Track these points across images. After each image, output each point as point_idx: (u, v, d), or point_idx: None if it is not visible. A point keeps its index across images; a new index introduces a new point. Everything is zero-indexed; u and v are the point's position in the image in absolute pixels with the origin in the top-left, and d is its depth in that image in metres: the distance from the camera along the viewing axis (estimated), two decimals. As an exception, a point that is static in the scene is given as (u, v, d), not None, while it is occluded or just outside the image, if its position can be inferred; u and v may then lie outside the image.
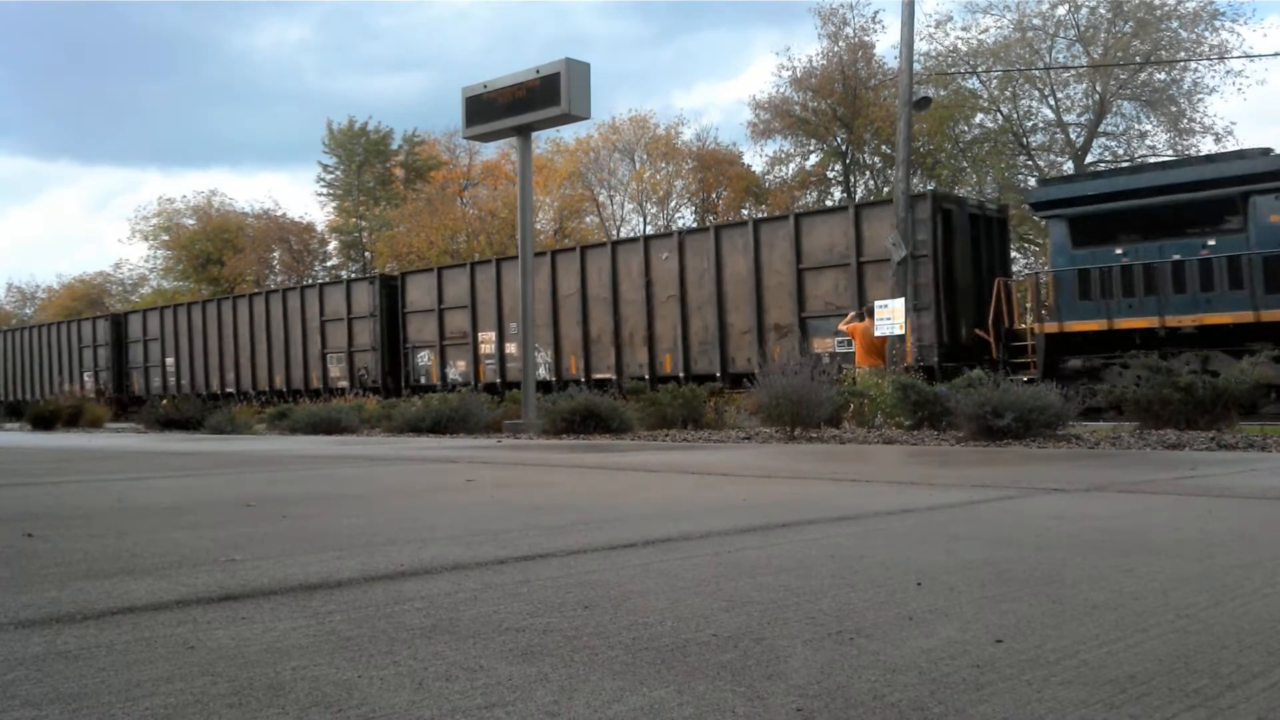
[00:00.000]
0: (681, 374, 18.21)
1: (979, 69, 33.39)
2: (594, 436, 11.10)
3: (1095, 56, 31.74)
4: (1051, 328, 15.00)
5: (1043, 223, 17.02)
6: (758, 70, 74.25)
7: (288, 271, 45.53)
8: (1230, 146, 29.09)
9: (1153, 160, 16.50)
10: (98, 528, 3.49)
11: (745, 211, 37.26)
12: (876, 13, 41.53)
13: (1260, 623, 1.88)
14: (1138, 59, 30.90)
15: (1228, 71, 36.88)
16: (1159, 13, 30.75)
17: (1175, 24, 30.92)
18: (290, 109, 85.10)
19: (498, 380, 21.32)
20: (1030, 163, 33.78)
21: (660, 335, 19.06)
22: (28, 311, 62.45)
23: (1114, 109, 32.78)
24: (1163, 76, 31.67)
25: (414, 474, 6.08)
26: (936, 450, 7.50)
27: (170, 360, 29.45)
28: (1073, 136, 33.49)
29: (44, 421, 20.05)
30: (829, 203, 34.79)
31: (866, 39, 34.81)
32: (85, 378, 31.95)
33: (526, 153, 13.56)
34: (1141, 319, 14.22)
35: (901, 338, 13.81)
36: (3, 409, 33.73)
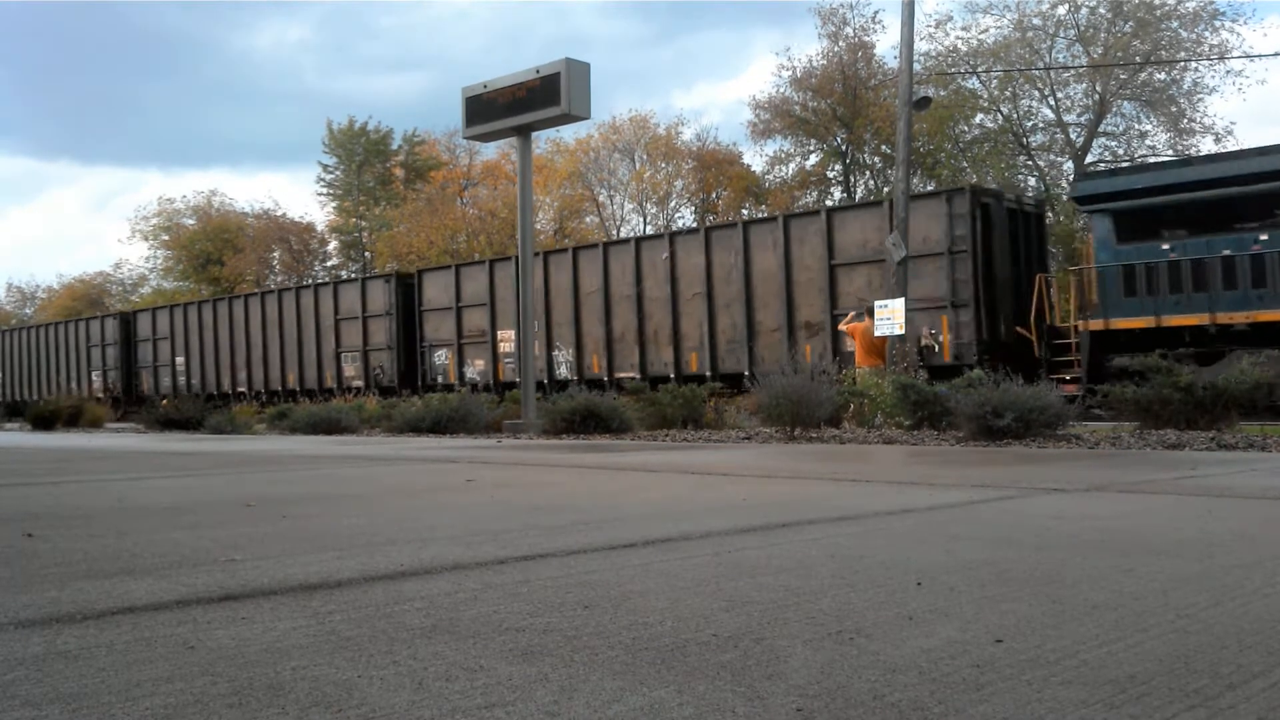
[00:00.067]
0: (708, 373, 17.94)
1: (979, 69, 33.39)
2: (594, 436, 11.10)
3: (1095, 56, 31.74)
4: (1097, 325, 14.62)
5: (1084, 218, 16.55)
6: (758, 70, 74.30)
7: (288, 271, 45.53)
8: (1230, 146, 29.09)
9: (1201, 155, 16.07)
10: (98, 528, 3.49)
11: (745, 212, 37.23)
12: (876, 13, 41.51)
13: (1260, 623, 1.88)
14: (1138, 59, 30.90)
15: (1228, 71, 36.90)
16: (1159, 13, 30.75)
17: (1175, 24, 30.93)
18: (290, 109, 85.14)
19: (518, 379, 21.06)
20: (1030, 163, 33.79)
21: (686, 333, 18.76)
22: (28, 311, 62.44)
23: (1114, 109, 32.78)
24: (1163, 76, 31.67)
25: (414, 474, 6.08)
26: (936, 450, 7.50)
27: (180, 359, 29.19)
28: (1073, 136, 33.49)
29: (44, 421, 20.05)
30: (828, 202, 34.79)
31: (866, 39, 34.82)
32: (93, 377, 31.65)
33: (526, 153, 13.56)
34: (1191, 316, 13.84)
35: (902, 337, 13.76)
36: (8, 408, 33.31)
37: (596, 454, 7.83)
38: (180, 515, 3.87)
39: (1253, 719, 1.37)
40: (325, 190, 47.27)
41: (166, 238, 51.43)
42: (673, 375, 18.36)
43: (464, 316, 22.46)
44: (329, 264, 47.62)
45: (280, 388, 26.12)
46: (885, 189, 32.08)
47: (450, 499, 4.41)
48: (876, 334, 13.68)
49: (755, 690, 1.50)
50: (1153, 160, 18.93)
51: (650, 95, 79.93)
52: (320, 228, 48.62)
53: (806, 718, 1.38)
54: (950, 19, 55.48)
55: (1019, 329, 15.72)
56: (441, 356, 22.86)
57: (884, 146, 34.38)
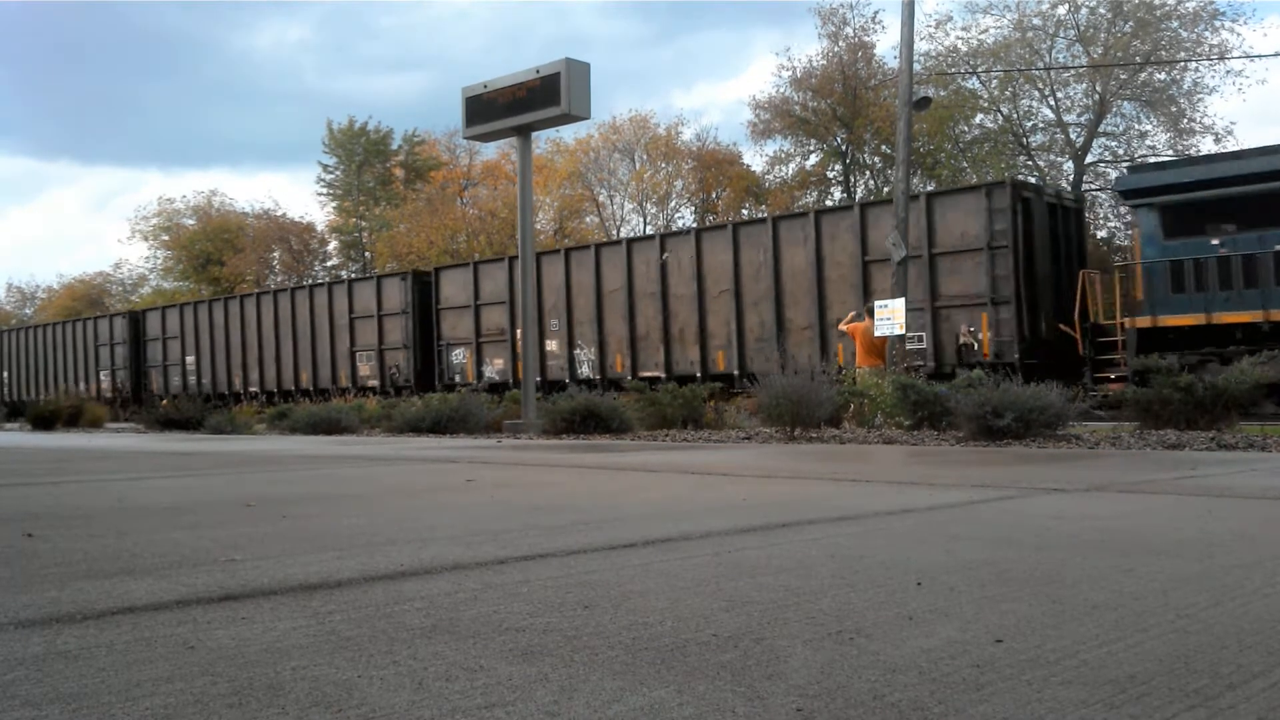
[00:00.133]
0: (735, 371, 17.70)
1: (979, 69, 33.40)
2: (594, 436, 11.10)
3: (1095, 56, 31.75)
4: (1144, 322, 14.28)
5: (1130, 213, 16.21)
6: (758, 70, 74.28)
7: (287, 272, 45.52)
8: (1230, 147, 29.09)
9: (1251, 147, 15.66)
10: (98, 528, 3.49)
11: (745, 212, 37.24)
12: (876, 13, 41.51)
13: (1260, 623, 1.88)
14: (1138, 59, 30.90)
15: (1228, 71, 36.87)
16: (1159, 13, 30.75)
17: (1175, 24, 30.92)
18: (290, 109, 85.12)
19: (538, 379, 20.62)
20: (1030, 163, 33.78)
21: (713, 332, 18.40)
22: (28, 311, 62.43)
23: (1114, 109, 32.77)
24: (1163, 76, 31.66)
25: (414, 474, 6.08)
26: (936, 450, 7.50)
27: (190, 359, 28.71)
28: (1073, 136, 33.49)
29: (44, 421, 20.05)
30: (828, 202, 34.79)
31: (866, 39, 34.82)
32: (101, 376, 31.28)
33: (526, 153, 13.56)
34: (1244, 313, 13.50)
35: (901, 337, 13.75)
36: (14, 408, 32.83)
37: (596, 454, 7.83)
38: (180, 515, 3.87)
39: (1253, 719, 1.37)
40: (325, 190, 47.28)
41: (166, 238, 51.43)
42: (699, 374, 18.07)
43: (482, 315, 22.07)
44: (329, 264, 47.64)
45: (293, 387, 25.64)
46: (885, 189, 32.09)
47: (450, 499, 4.41)
48: (876, 334, 13.67)
49: (755, 690, 1.50)
50: (1200, 154, 18.48)
51: (650, 95, 79.95)
52: (320, 228, 48.64)
53: (806, 718, 1.38)
54: (950, 19, 55.48)
55: (1061, 326, 15.36)
56: (459, 355, 22.49)
57: (884, 146, 34.39)
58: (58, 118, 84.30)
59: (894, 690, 1.49)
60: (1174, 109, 31.65)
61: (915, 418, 9.79)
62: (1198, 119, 31.63)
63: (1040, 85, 33.26)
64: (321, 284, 26.94)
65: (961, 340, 15.39)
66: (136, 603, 2.18)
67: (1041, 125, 34.47)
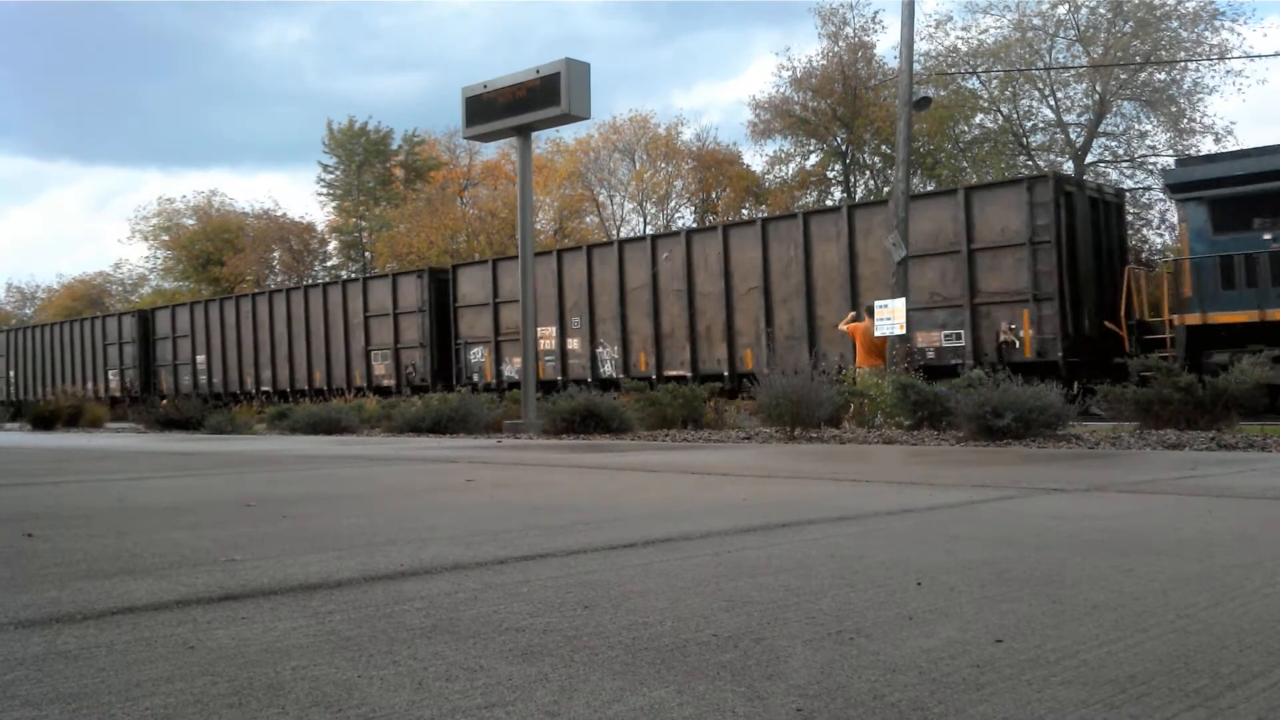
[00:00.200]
0: (766, 370, 17.46)
1: (979, 69, 33.40)
2: (594, 436, 11.10)
3: (1095, 56, 31.75)
4: (1194, 319, 13.91)
5: (1177, 207, 15.91)
6: (758, 70, 74.29)
7: (288, 272, 45.53)
8: (1230, 146, 29.09)
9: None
10: (98, 528, 3.49)
11: (745, 211, 37.24)
12: (876, 13, 41.54)
13: (1260, 623, 1.88)
14: (1138, 59, 30.90)
15: (1228, 71, 36.87)
16: (1159, 13, 30.75)
17: (1175, 24, 30.92)
18: (290, 109, 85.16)
19: (558, 378, 20.24)
20: (1030, 163, 33.78)
21: (741, 330, 18.02)
22: (28, 311, 62.46)
23: (1114, 109, 32.78)
24: (1163, 76, 31.66)
25: (414, 474, 6.08)
26: (936, 450, 7.50)
27: (201, 358, 28.37)
28: (1073, 136, 33.50)
29: (44, 421, 20.05)
30: (828, 201, 34.79)
31: (866, 39, 34.83)
32: (110, 376, 30.90)
33: (526, 153, 13.56)
34: None
35: (902, 337, 13.74)
36: (20, 408, 32.51)
37: (596, 454, 7.83)
38: (180, 515, 3.87)
39: (1253, 719, 1.37)
40: (325, 190, 47.30)
41: (166, 238, 51.44)
42: (726, 373, 17.79)
43: (501, 313, 21.67)
44: (329, 264, 47.65)
45: (307, 387, 25.25)
46: (885, 189, 32.08)
47: (450, 499, 4.42)
48: (876, 334, 13.67)
49: (755, 690, 1.50)
50: (1251, 146, 18.18)
51: (650, 95, 79.96)
52: (320, 228, 48.66)
53: (806, 718, 1.38)
54: (950, 19, 55.47)
55: (1107, 324, 15.04)
56: (478, 354, 22.13)
57: (884, 146, 34.39)
58: (58, 118, 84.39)
59: (894, 690, 1.49)
60: (1174, 109, 31.66)
61: (915, 418, 9.79)
62: (1198, 119, 31.65)
63: (1040, 85, 33.27)
64: (335, 282, 26.53)
65: (1002, 338, 15.03)
66: (136, 603, 2.18)
67: (1041, 125, 34.49)
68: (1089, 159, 32.73)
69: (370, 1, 75.07)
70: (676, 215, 40.05)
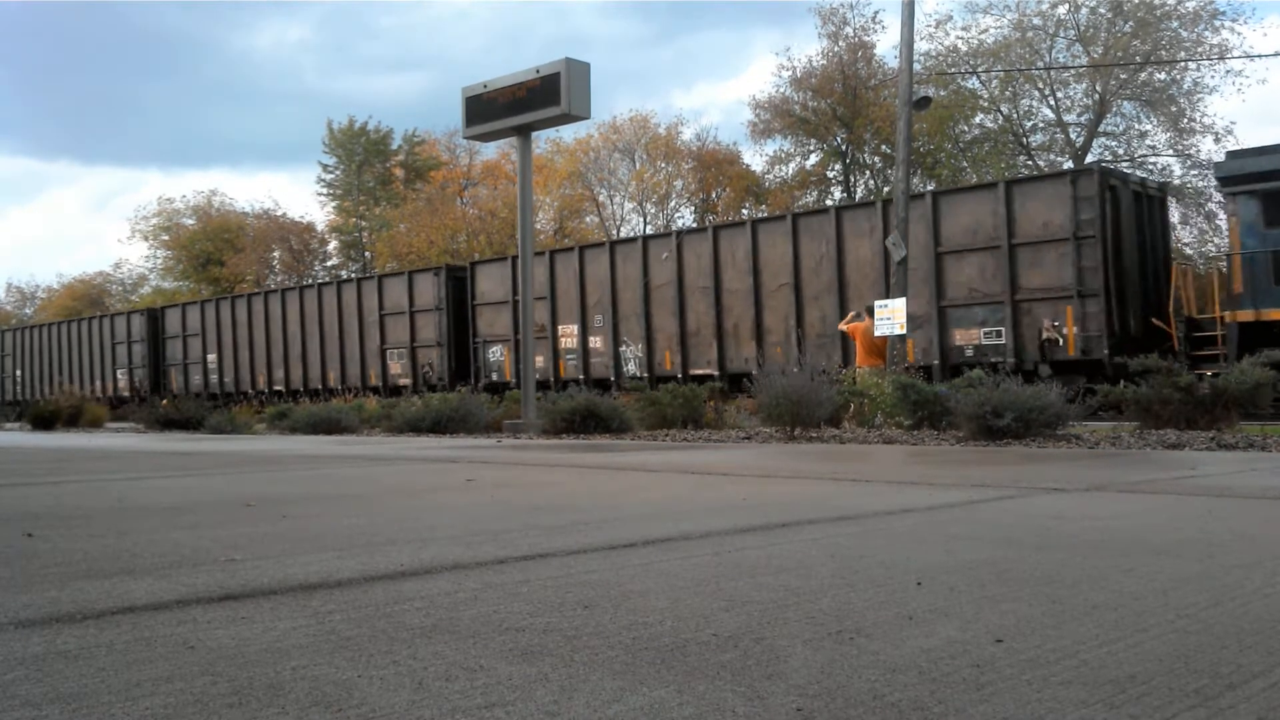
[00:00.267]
0: (795, 368, 17.30)
1: (979, 69, 33.40)
2: (594, 436, 11.10)
3: (1095, 56, 31.75)
4: (1246, 315, 13.54)
5: (1228, 200, 15.53)
6: (758, 70, 74.29)
7: (288, 271, 45.53)
8: (1231, 147, 29.10)
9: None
10: (98, 528, 3.49)
11: (745, 212, 37.25)
12: (876, 13, 41.56)
13: (1260, 623, 1.88)
14: (1138, 59, 30.90)
15: (1228, 71, 36.89)
16: (1159, 13, 30.75)
17: (1175, 24, 30.93)
18: (290, 109, 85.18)
19: (580, 376, 19.92)
20: (1030, 163, 33.79)
21: (770, 327, 17.62)
22: (28, 311, 62.44)
23: (1114, 109, 32.78)
24: (1163, 76, 31.67)
25: (414, 474, 6.08)
26: (936, 450, 7.50)
27: (212, 357, 27.91)
28: (1073, 136, 33.50)
29: (44, 421, 20.05)
30: (828, 201, 34.77)
31: (866, 39, 34.83)
32: (118, 375, 30.46)
33: (526, 153, 13.57)
34: None
35: (902, 337, 13.73)
36: (23, 408, 32.10)
37: (596, 454, 7.83)
38: (180, 515, 3.87)
39: (1253, 719, 1.37)
40: (325, 190, 47.31)
41: (166, 238, 51.45)
42: (755, 371, 17.42)
43: (521, 310, 21.68)
44: (329, 264, 47.67)
45: (320, 386, 24.82)
46: (885, 189, 32.09)
47: (450, 499, 4.41)
48: (876, 334, 13.67)
49: (755, 690, 1.50)
50: None
51: (650, 95, 79.98)
52: (320, 228, 48.67)
53: (806, 718, 1.38)
54: (950, 19, 55.50)
55: (1154, 321, 14.76)
56: (496, 353, 21.73)
57: (884, 146, 34.40)
58: (58, 118, 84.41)
59: (894, 690, 1.49)
60: (1174, 109, 31.66)
61: (915, 417, 9.79)
62: (1198, 119, 31.65)
63: (1040, 85, 33.27)
64: (350, 280, 26.08)
65: (1045, 335, 14.64)
66: (136, 603, 2.18)
67: (1041, 125, 34.50)
68: (1089, 159, 32.72)
69: (370, 1, 75.13)
70: (676, 215, 40.08)
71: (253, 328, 26.98)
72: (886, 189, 30.80)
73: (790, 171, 37.45)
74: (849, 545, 2.86)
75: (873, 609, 2.03)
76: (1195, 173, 31.06)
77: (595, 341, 20.14)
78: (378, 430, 14.35)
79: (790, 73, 35.99)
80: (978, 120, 34.95)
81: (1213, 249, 28.61)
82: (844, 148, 36.34)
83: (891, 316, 13.34)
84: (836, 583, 2.30)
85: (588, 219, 41.03)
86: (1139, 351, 13.30)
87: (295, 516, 3.76)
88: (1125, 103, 32.61)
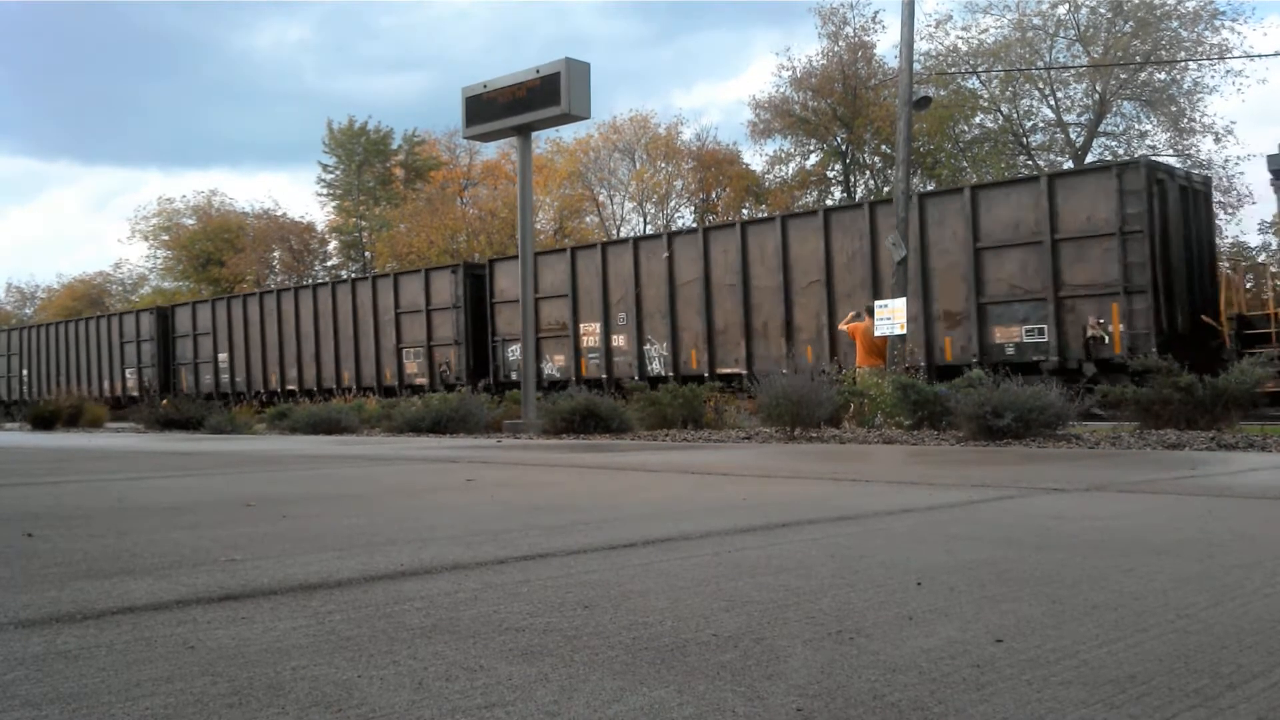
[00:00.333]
0: (826, 367, 16.78)
1: (979, 69, 33.41)
2: (594, 436, 11.10)
3: (1095, 56, 31.75)
4: None
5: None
6: (758, 70, 74.33)
7: (288, 271, 45.54)
8: (1230, 146, 29.08)
9: None
10: (98, 527, 3.49)
11: (745, 211, 37.26)
12: (876, 13, 41.56)
13: (1260, 623, 1.88)
14: (1138, 59, 30.91)
15: (1228, 71, 36.93)
16: (1159, 12, 30.77)
17: (1175, 24, 30.95)
18: (290, 109, 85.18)
19: (603, 376, 19.69)
20: (1030, 163, 33.80)
21: (800, 325, 17.25)
22: (28, 311, 62.45)
23: (1114, 109, 32.81)
24: (1163, 76, 31.69)
25: (414, 474, 6.08)
26: (936, 450, 7.50)
27: (224, 356, 27.50)
28: (1073, 136, 33.52)
29: (44, 421, 20.06)
30: (828, 201, 34.76)
31: (866, 39, 34.86)
32: (127, 374, 30.09)
33: (526, 153, 13.57)
34: None
35: (902, 337, 13.72)
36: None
37: (596, 454, 7.83)
38: (180, 515, 3.87)
39: (1253, 719, 1.37)
40: (325, 190, 47.32)
41: (166, 238, 51.46)
42: (785, 370, 17.24)
43: (542, 308, 20.69)
44: (329, 264, 47.68)
45: (335, 385, 24.48)
46: (886, 189, 32.08)
47: (450, 499, 4.41)
48: (876, 334, 13.67)
49: (755, 690, 1.50)
50: None
51: (650, 95, 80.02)
52: (320, 228, 48.69)
53: (806, 718, 1.38)
54: (950, 19, 55.56)
55: (1204, 318, 14.48)
56: (516, 352, 21.16)
57: (884, 146, 34.41)
58: (58, 118, 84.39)
59: (894, 690, 1.49)
60: (1174, 109, 31.68)
61: (915, 418, 9.79)
62: (1198, 119, 31.67)
63: (1040, 85, 33.28)
64: (365, 278, 25.66)
65: (1090, 333, 14.32)
66: (136, 603, 2.18)
67: (1041, 125, 34.53)
68: (1089, 159, 32.75)
69: (370, 1, 75.11)
70: (676, 215, 40.10)
71: (265, 326, 26.58)
72: (886, 189, 30.78)
73: (790, 171, 37.49)
74: (849, 545, 2.86)
75: (873, 609, 2.03)
76: (1195, 173, 31.06)
77: (618, 340, 19.81)
78: (378, 430, 14.35)
79: (790, 73, 36.04)
80: (978, 120, 34.99)
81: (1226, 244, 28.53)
82: (844, 148, 36.35)
83: (891, 316, 13.34)
84: (836, 583, 2.30)
85: (588, 219, 41.05)
86: (1188, 350, 12.99)
87: (295, 516, 3.76)
88: (1125, 103, 32.65)
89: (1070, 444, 7.78)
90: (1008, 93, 33.94)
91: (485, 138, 14.82)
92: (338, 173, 46.35)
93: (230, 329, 27.51)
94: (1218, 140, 31.23)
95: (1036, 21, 32.61)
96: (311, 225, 48.56)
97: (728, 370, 18.02)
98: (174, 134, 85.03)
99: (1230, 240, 31.69)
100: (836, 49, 34.89)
